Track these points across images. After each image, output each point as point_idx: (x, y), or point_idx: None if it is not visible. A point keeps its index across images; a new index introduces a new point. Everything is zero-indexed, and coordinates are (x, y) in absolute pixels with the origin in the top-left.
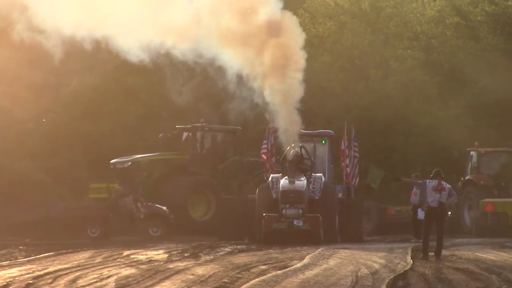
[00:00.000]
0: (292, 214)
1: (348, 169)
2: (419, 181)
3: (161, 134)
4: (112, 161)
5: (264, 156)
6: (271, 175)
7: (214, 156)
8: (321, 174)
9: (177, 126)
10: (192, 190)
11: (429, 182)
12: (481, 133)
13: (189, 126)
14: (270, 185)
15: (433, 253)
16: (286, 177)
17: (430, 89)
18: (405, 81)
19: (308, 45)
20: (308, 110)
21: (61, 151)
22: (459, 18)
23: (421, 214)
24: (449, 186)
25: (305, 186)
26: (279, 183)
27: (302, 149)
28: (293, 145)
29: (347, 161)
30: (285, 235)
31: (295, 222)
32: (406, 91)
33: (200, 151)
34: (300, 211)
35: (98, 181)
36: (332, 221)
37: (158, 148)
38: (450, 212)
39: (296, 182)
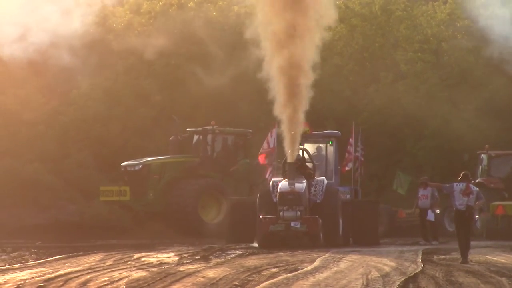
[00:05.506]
0: (290, 216)
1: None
2: (447, 185)
3: (171, 137)
4: (123, 164)
5: (261, 158)
6: (272, 179)
7: (224, 159)
8: (324, 177)
9: (187, 129)
10: (203, 193)
11: (457, 185)
12: (491, 136)
13: (200, 129)
14: (271, 189)
15: (459, 256)
16: (286, 179)
17: (440, 92)
18: (416, 84)
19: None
20: (318, 112)
21: (71, 154)
22: (469, 21)
23: (430, 215)
24: (477, 189)
25: (304, 188)
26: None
27: (304, 152)
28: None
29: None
30: (283, 237)
31: (292, 224)
32: (417, 94)
33: (211, 154)
34: (298, 213)
35: (109, 184)
36: (334, 224)
37: (169, 151)
38: (477, 216)
39: (296, 184)
